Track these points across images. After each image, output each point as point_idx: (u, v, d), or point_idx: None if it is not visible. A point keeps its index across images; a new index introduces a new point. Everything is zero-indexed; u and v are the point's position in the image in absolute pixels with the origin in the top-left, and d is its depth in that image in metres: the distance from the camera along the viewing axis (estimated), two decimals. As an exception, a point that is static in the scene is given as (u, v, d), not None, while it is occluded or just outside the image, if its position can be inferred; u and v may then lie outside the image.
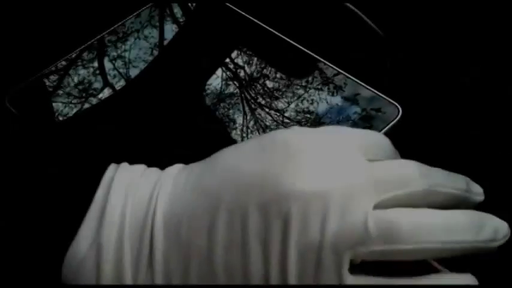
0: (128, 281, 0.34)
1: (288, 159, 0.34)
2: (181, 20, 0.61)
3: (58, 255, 0.35)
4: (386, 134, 0.48)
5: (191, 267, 0.34)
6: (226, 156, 0.36)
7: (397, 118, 0.49)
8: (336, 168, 0.34)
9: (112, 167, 0.37)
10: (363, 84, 0.52)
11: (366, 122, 0.49)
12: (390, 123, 0.49)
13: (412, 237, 0.32)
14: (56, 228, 0.35)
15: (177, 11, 0.61)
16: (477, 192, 0.38)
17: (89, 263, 0.34)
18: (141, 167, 0.38)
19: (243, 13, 0.59)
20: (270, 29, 0.57)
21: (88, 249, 0.34)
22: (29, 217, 0.36)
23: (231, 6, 0.60)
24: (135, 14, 0.60)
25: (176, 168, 0.37)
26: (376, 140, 0.37)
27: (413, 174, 0.34)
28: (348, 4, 0.56)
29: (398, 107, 0.49)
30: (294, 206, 0.32)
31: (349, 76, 0.52)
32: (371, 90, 0.51)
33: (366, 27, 0.55)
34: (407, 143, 0.50)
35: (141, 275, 0.34)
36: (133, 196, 0.35)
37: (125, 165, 0.38)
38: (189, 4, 0.61)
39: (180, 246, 0.34)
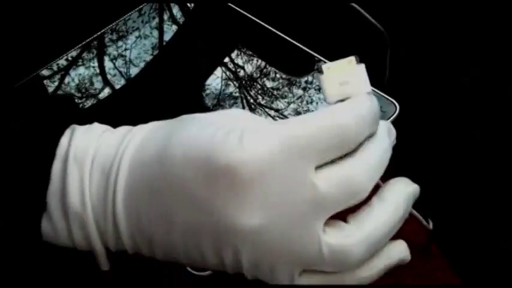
0: (102, 253, 0.37)
1: (232, 192, 0.34)
2: (180, 19, 0.61)
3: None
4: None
5: (155, 248, 0.36)
6: (178, 164, 0.35)
7: (395, 115, 0.49)
8: (281, 197, 0.34)
9: (65, 136, 0.37)
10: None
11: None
12: (387, 120, 0.49)
13: (361, 261, 0.35)
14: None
15: (177, 11, 0.61)
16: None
17: (63, 236, 0.36)
18: (94, 136, 0.37)
19: (244, 12, 0.59)
20: (270, 28, 0.57)
21: (60, 222, 0.36)
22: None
23: (232, 6, 0.60)
24: (135, 10, 0.60)
25: (136, 140, 0.37)
26: (330, 134, 0.34)
27: (361, 185, 0.35)
28: (354, 4, 0.56)
29: (396, 103, 0.49)
30: (242, 241, 0.34)
31: None
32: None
33: (368, 26, 0.56)
34: (405, 140, 0.50)
35: (111, 246, 0.37)
36: (90, 181, 0.36)
37: (79, 135, 0.37)
38: (188, 4, 0.62)
39: (142, 231, 0.36)
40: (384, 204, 0.36)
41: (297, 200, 0.34)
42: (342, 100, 0.36)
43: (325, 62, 0.53)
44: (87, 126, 0.38)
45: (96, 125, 0.39)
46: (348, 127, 0.34)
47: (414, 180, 0.49)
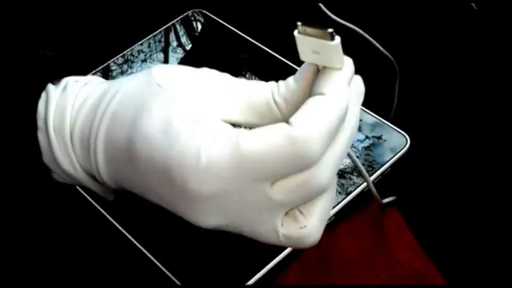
0: (101, 191, 0.41)
1: (187, 203, 0.35)
2: (186, 44, 0.60)
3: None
4: (394, 164, 0.47)
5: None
6: (142, 164, 0.36)
7: (406, 148, 0.48)
8: (236, 207, 0.35)
9: (42, 102, 0.40)
10: (370, 112, 0.51)
11: (369, 150, 0.49)
12: (398, 152, 0.48)
13: (318, 240, 0.37)
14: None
15: (183, 33, 0.61)
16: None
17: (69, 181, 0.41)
18: (69, 103, 0.39)
19: (249, 38, 0.59)
20: (276, 54, 0.57)
21: (63, 176, 0.40)
22: None
23: (238, 32, 0.59)
24: (142, 41, 0.59)
25: (107, 117, 0.38)
26: (287, 162, 0.34)
27: (320, 184, 0.35)
28: (357, 28, 0.55)
29: (406, 136, 0.48)
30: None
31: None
32: (379, 119, 0.50)
33: (377, 54, 0.55)
34: (416, 174, 0.49)
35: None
36: (74, 151, 0.39)
37: (54, 100, 0.39)
38: (195, 30, 0.61)
39: (124, 187, 0.39)
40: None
41: (253, 209, 0.35)
42: (316, 65, 0.35)
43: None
44: (61, 87, 0.40)
45: (69, 86, 0.40)
46: (308, 156, 0.34)
47: (425, 212, 0.49)
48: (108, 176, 0.39)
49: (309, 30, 0.34)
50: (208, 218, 0.36)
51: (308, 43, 0.34)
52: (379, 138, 0.49)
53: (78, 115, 0.39)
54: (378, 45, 0.55)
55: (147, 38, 0.59)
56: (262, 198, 0.35)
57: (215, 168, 0.34)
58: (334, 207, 0.45)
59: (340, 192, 0.46)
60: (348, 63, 0.35)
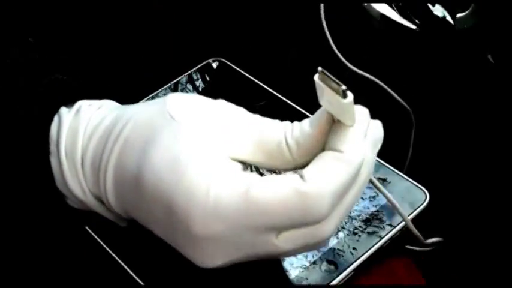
0: (111, 217, 0.41)
1: (188, 241, 0.36)
2: (203, 91, 0.60)
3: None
4: (413, 220, 0.47)
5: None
6: (148, 197, 0.36)
7: (425, 204, 0.48)
8: (239, 249, 0.36)
9: (54, 125, 0.40)
10: (385, 164, 0.51)
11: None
12: (418, 208, 0.47)
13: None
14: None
15: (200, 83, 0.61)
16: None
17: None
18: (81, 128, 0.40)
19: (263, 85, 0.59)
20: (293, 104, 0.57)
21: (75, 202, 0.41)
22: None
23: (253, 79, 0.60)
24: (160, 90, 0.60)
25: (118, 146, 0.38)
26: (293, 217, 0.34)
27: (323, 238, 0.36)
28: (373, 77, 0.55)
29: (426, 192, 0.48)
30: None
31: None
32: (395, 172, 0.50)
33: (394, 103, 0.55)
34: (432, 223, 0.49)
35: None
36: (85, 176, 0.40)
37: (66, 126, 0.40)
38: (212, 79, 0.61)
39: (130, 215, 0.40)
40: None
41: (257, 252, 0.36)
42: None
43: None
44: (74, 111, 0.40)
45: (82, 110, 0.40)
46: (317, 212, 0.34)
47: (442, 266, 0.48)
48: (115, 202, 0.39)
49: (325, 79, 0.34)
50: (210, 259, 0.36)
51: (324, 91, 0.34)
52: (384, 180, 0.49)
53: (90, 139, 0.39)
54: (394, 94, 0.55)
55: (164, 88, 0.59)
56: (267, 245, 0.35)
57: (222, 211, 0.34)
58: (353, 262, 0.45)
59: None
60: (364, 113, 0.36)
